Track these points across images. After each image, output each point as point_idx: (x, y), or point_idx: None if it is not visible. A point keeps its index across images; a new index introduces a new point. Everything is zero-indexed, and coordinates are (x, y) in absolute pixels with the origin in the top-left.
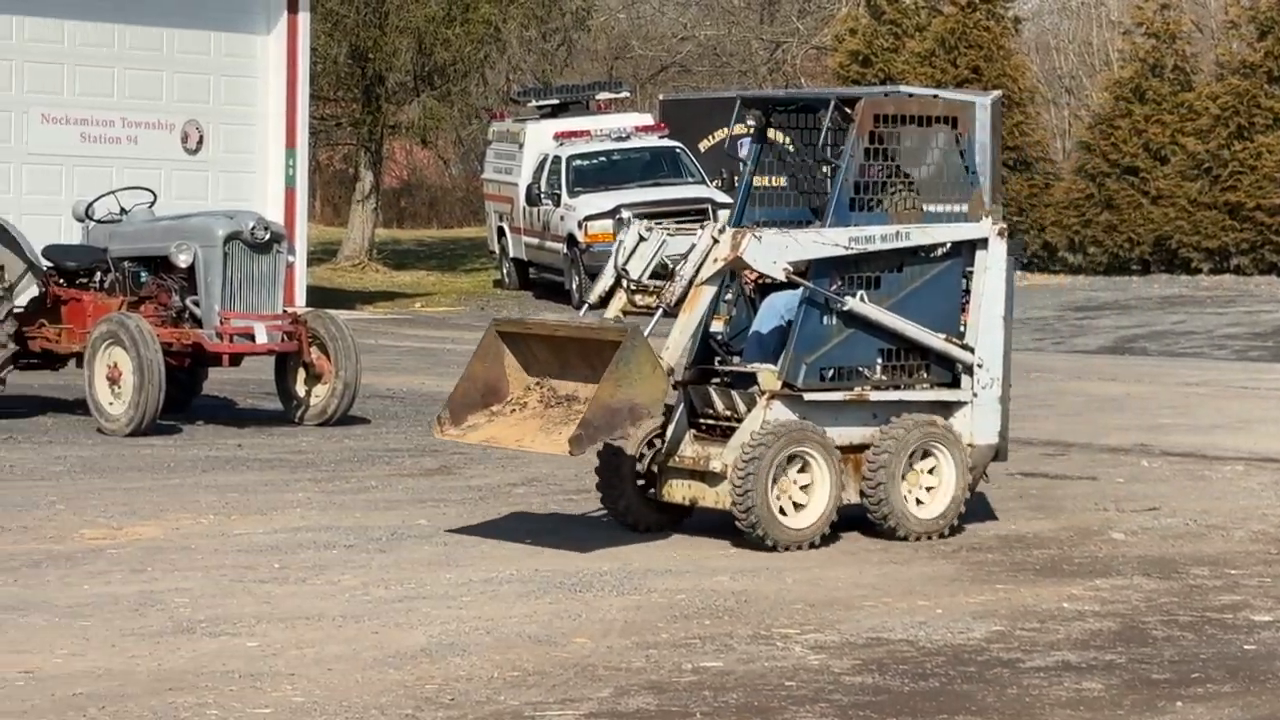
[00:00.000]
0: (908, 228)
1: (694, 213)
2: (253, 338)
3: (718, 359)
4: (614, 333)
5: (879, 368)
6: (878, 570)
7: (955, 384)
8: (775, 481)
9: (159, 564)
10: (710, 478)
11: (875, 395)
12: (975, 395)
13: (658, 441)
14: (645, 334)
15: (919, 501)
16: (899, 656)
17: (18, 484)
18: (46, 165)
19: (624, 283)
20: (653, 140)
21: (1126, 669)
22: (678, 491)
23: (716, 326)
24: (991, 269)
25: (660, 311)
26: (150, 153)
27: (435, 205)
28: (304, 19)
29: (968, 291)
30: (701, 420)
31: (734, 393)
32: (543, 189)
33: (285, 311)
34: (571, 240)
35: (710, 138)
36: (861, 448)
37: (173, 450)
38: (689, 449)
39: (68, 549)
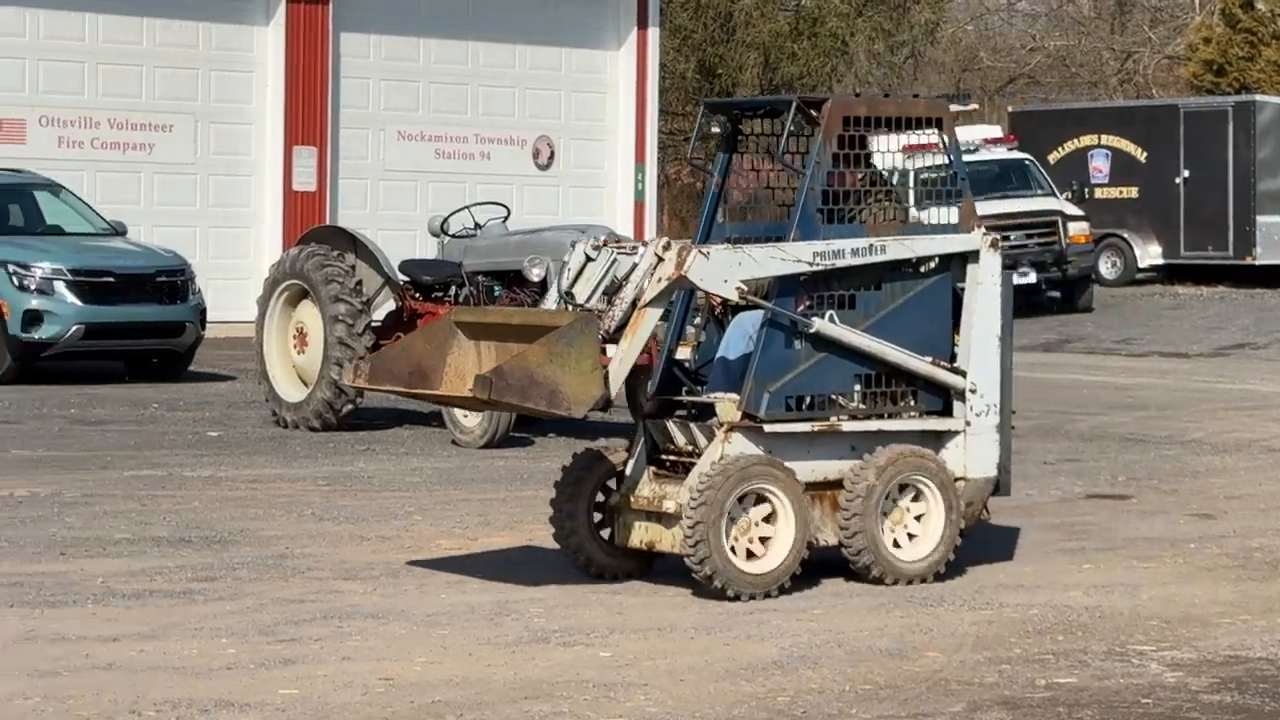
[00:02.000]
0: (883, 240)
1: (1043, 225)
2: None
3: (684, 389)
4: (569, 316)
5: (857, 395)
6: (1235, 587)
7: (947, 412)
8: (733, 522)
9: (513, 574)
10: (666, 519)
11: (850, 426)
12: (968, 424)
13: (614, 482)
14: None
15: (911, 537)
16: (1258, 675)
17: (376, 495)
18: (402, 181)
19: (569, 308)
20: (1001, 153)
21: None
22: (635, 534)
23: (683, 354)
24: (984, 284)
25: (601, 339)
26: (502, 168)
27: None
28: (653, 34)
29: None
30: (663, 457)
31: (694, 426)
32: None
33: None
34: None
35: (1060, 149)
36: (840, 484)
37: (525, 462)
38: (646, 488)
39: (425, 559)
